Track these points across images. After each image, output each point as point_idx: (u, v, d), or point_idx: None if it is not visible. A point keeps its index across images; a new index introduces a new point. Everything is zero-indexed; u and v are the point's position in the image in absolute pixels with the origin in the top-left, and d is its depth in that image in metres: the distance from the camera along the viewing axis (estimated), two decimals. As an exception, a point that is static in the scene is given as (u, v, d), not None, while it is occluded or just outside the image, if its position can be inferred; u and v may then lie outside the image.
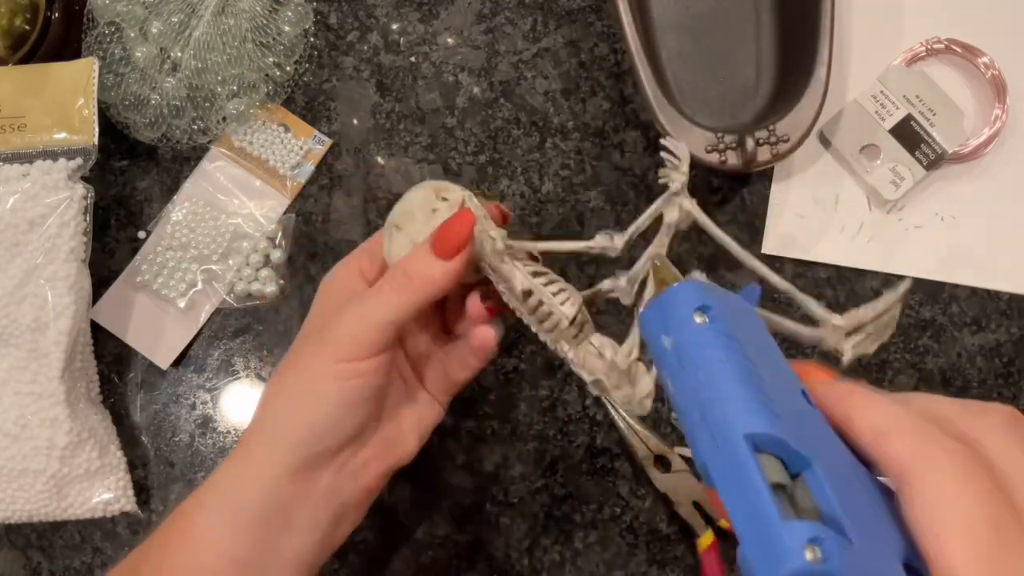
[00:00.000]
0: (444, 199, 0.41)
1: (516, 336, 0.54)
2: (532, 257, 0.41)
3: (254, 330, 0.55)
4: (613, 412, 0.52)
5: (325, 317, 0.41)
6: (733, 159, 0.49)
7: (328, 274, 0.43)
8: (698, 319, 0.25)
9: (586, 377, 0.38)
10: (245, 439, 0.41)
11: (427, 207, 0.41)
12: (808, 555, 0.20)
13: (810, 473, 0.22)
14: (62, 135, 0.52)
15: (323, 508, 0.40)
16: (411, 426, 0.43)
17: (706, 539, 0.51)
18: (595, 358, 0.37)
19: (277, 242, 0.55)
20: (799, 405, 0.25)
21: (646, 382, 0.36)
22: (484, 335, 0.42)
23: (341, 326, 0.39)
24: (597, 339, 0.38)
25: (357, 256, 0.44)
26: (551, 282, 0.39)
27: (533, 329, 0.40)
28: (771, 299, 0.54)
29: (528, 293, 0.38)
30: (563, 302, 0.38)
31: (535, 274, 0.39)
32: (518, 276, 0.39)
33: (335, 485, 0.40)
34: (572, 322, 0.38)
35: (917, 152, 0.53)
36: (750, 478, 0.22)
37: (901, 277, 0.54)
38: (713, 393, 0.24)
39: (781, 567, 0.20)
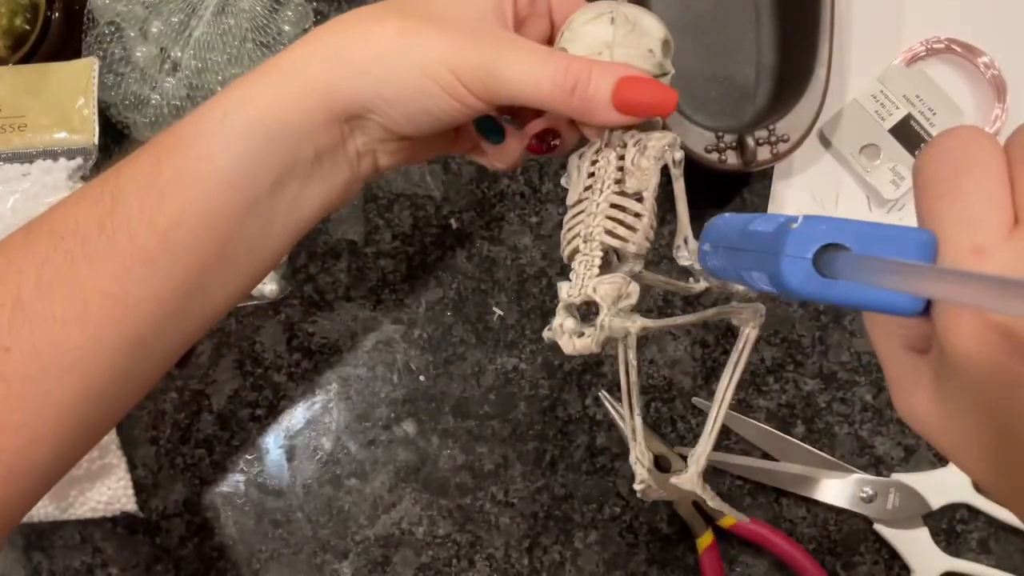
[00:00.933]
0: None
1: (516, 336, 0.54)
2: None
3: (254, 330, 0.55)
4: (613, 412, 0.52)
5: (480, 10, 0.35)
6: (733, 159, 0.49)
7: None
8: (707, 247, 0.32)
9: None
10: (287, 61, 0.35)
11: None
12: (792, 226, 0.24)
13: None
14: (62, 135, 0.52)
15: (342, 168, 0.37)
16: (460, 141, 0.41)
17: (706, 539, 0.51)
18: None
19: (277, 242, 0.55)
20: None
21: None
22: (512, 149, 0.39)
23: (474, 56, 0.33)
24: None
25: None
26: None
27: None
28: (771, 299, 0.54)
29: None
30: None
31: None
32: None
33: (360, 151, 0.37)
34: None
35: (917, 151, 0.53)
36: (754, 235, 0.27)
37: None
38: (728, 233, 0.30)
39: (784, 245, 0.24)
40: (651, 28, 0.36)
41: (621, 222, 0.35)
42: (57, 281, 0.33)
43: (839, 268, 0.23)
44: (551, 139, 0.38)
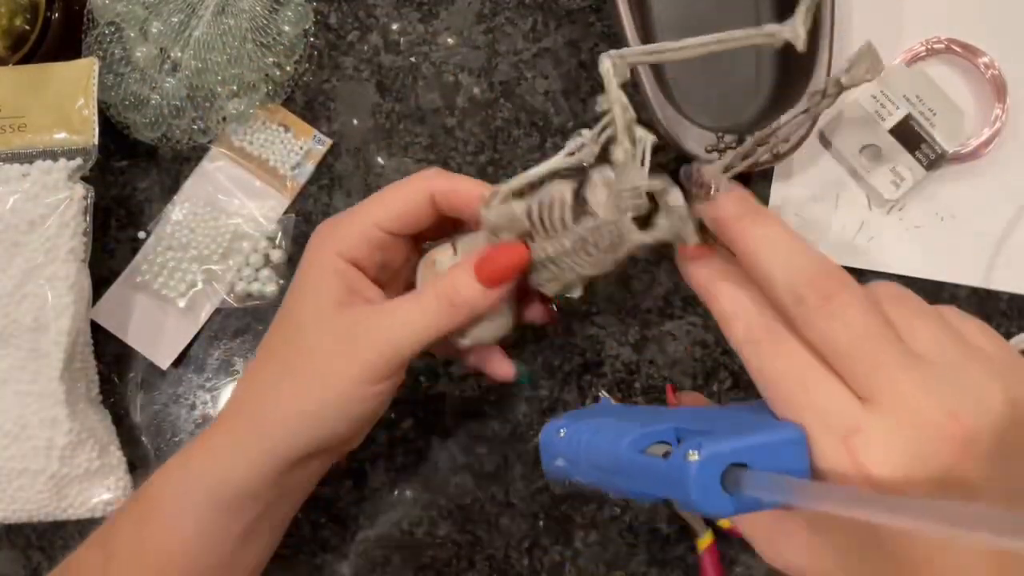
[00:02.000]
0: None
1: (517, 336, 0.54)
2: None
3: (254, 330, 0.55)
4: (613, 412, 0.52)
5: (331, 311, 0.38)
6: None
7: (314, 252, 0.39)
8: (561, 434, 0.35)
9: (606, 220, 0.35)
10: (234, 420, 0.39)
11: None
12: (692, 457, 0.26)
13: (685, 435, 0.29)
14: (62, 135, 0.52)
15: (305, 493, 0.40)
16: (368, 422, 0.42)
17: (706, 539, 0.51)
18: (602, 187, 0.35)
19: (277, 242, 0.55)
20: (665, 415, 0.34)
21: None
22: (505, 370, 0.42)
23: (366, 344, 0.37)
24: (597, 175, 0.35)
25: (338, 238, 0.39)
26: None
27: (557, 246, 0.36)
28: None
29: (529, 212, 0.36)
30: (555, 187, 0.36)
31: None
32: (515, 207, 0.36)
33: (319, 472, 0.40)
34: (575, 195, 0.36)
35: (917, 152, 0.53)
36: (639, 462, 0.28)
37: (902, 277, 0.54)
38: (597, 448, 0.32)
39: (688, 480, 0.26)
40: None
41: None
42: None
43: (743, 484, 0.25)
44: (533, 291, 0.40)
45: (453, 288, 0.37)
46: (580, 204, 0.35)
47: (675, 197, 0.34)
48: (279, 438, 0.38)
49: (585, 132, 0.36)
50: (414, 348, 0.37)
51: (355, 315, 0.38)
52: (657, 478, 0.27)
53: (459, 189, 0.39)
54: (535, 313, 0.41)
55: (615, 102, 0.33)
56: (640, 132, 0.34)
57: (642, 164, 0.34)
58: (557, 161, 0.36)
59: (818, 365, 0.27)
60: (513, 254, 0.37)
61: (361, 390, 0.37)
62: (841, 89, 0.31)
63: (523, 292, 0.40)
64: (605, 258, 0.36)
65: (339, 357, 0.37)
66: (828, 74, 0.50)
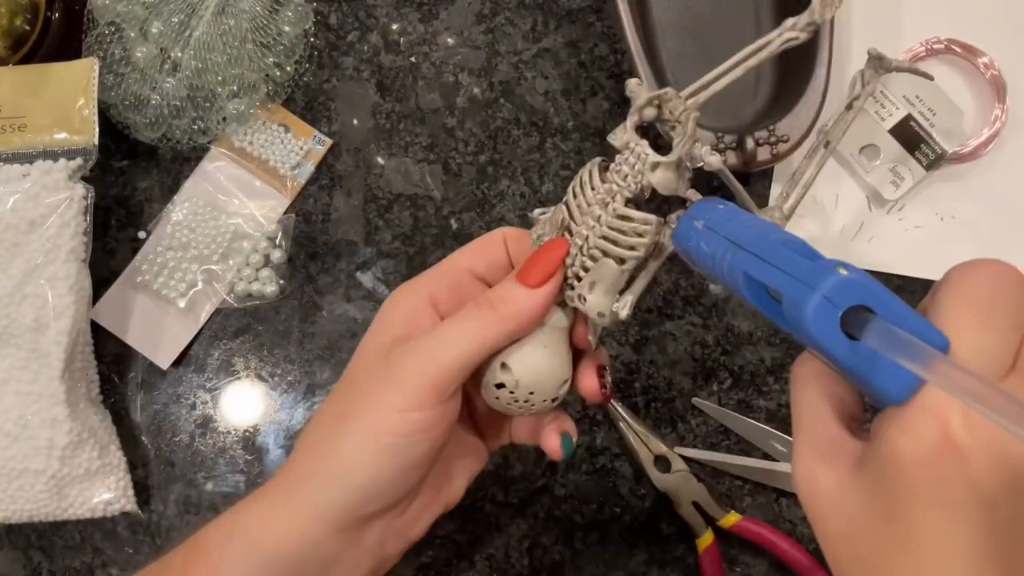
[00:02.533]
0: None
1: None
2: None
3: (254, 330, 0.55)
4: (613, 412, 0.52)
5: (388, 346, 0.36)
6: (733, 159, 0.49)
7: (392, 295, 0.38)
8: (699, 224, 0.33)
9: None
10: (287, 476, 0.36)
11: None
12: (841, 271, 0.25)
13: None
14: (62, 135, 0.52)
15: (365, 563, 0.36)
16: (460, 472, 0.40)
17: (706, 539, 0.51)
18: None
19: (277, 242, 0.55)
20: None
21: None
22: (553, 444, 0.39)
23: (407, 367, 0.34)
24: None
25: (430, 279, 0.38)
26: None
27: (589, 220, 0.36)
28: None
29: (566, 201, 0.37)
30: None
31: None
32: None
33: (381, 540, 0.36)
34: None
35: (917, 152, 0.53)
36: (783, 252, 0.28)
37: (902, 277, 0.54)
38: (740, 229, 0.31)
39: (825, 283, 0.25)
40: None
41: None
42: None
43: (865, 329, 0.24)
44: (606, 375, 0.39)
45: (497, 295, 0.35)
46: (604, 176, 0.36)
47: (692, 122, 0.36)
48: (331, 495, 0.34)
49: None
50: (463, 364, 0.34)
51: (403, 344, 0.35)
52: (790, 275, 0.26)
53: (527, 239, 0.38)
54: (587, 383, 0.38)
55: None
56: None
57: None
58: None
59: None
60: (551, 245, 0.36)
61: (408, 422, 0.34)
62: (812, 24, 0.36)
63: (577, 358, 0.38)
64: (631, 225, 0.35)
65: (382, 387, 0.35)
66: (828, 74, 0.50)
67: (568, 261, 0.36)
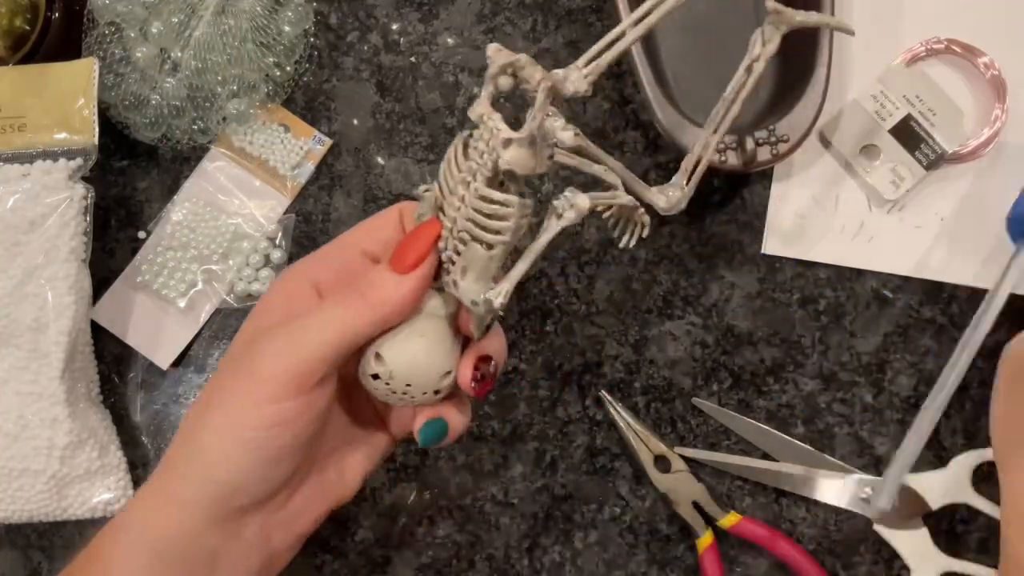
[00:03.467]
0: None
1: (516, 336, 0.54)
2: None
3: (254, 330, 0.55)
4: (613, 412, 0.52)
5: (254, 334, 0.35)
6: (733, 159, 0.49)
7: (276, 277, 0.38)
8: None
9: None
10: (166, 467, 0.35)
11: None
12: None
13: None
14: (62, 135, 0.52)
15: (252, 556, 0.36)
16: (354, 465, 0.38)
17: (706, 539, 0.51)
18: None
19: (277, 242, 0.55)
20: None
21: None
22: (414, 427, 0.37)
23: (265, 356, 0.33)
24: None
25: (317, 261, 0.37)
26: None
27: (455, 198, 0.34)
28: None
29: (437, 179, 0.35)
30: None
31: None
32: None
33: (263, 533, 0.36)
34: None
35: (917, 152, 0.53)
36: None
37: (902, 277, 0.54)
38: None
39: None
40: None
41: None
42: None
43: None
44: (486, 367, 0.36)
45: (366, 280, 0.34)
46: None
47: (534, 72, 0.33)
48: (198, 487, 0.34)
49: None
50: (325, 354, 0.33)
51: (268, 332, 0.34)
52: None
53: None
54: (461, 373, 0.36)
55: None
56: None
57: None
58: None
59: None
60: (422, 228, 0.34)
61: (265, 415, 0.33)
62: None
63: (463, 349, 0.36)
64: (492, 208, 0.33)
65: (241, 378, 0.34)
66: (828, 74, 0.50)
67: (441, 244, 0.34)
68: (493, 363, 0.36)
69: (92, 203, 0.51)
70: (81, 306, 0.50)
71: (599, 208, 0.35)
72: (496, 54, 0.33)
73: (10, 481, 0.50)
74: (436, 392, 0.36)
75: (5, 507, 0.50)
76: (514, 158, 0.32)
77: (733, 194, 0.55)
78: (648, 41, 0.54)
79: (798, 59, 0.52)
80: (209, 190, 0.55)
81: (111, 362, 0.55)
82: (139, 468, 0.54)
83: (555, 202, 0.34)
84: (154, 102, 0.53)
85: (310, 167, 0.56)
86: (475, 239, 0.33)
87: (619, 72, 0.56)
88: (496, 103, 0.34)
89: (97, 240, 0.53)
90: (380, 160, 0.56)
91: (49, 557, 0.53)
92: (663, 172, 0.54)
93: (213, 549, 0.34)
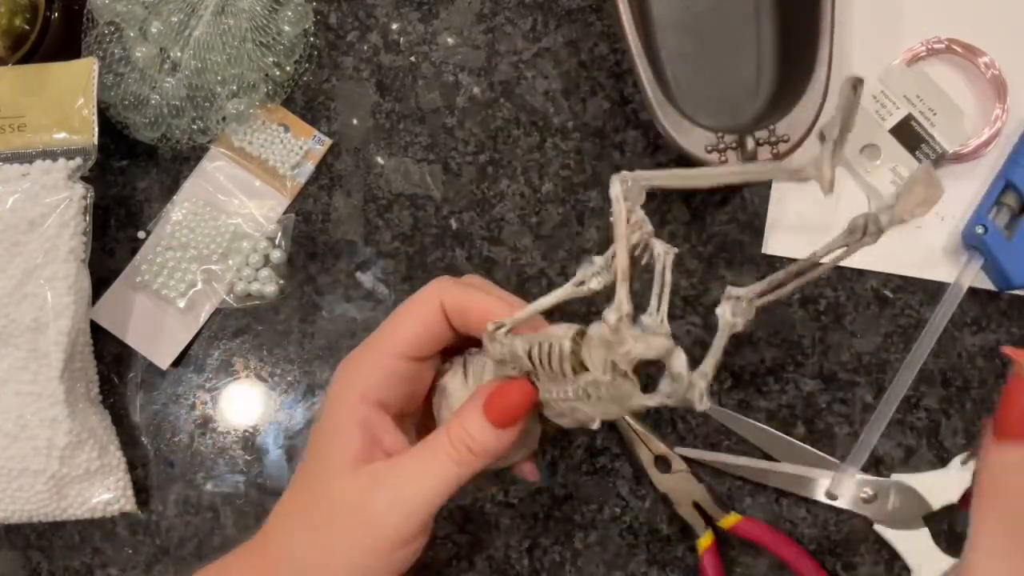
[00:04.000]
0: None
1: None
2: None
3: (254, 330, 0.55)
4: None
5: (352, 460, 0.36)
6: (733, 159, 0.49)
7: (347, 367, 0.37)
8: None
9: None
10: (263, 559, 0.37)
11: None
12: None
13: None
14: (62, 135, 0.52)
15: None
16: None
17: (706, 540, 0.51)
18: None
19: (277, 242, 0.55)
20: None
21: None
22: (533, 476, 0.42)
23: (382, 510, 0.34)
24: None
25: (362, 377, 0.37)
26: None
27: (560, 391, 0.34)
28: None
29: (530, 353, 0.34)
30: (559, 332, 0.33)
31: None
32: (517, 343, 0.34)
33: None
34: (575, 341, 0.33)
35: (917, 152, 0.53)
36: None
37: (902, 277, 0.54)
38: None
39: None
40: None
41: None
42: None
43: None
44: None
45: (468, 434, 0.35)
46: (578, 355, 0.33)
47: (678, 363, 0.32)
48: None
49: (597, 259, 0.34)
50: (433, 506, 0.35)
51: (373, 474, 0.35)
52: None
53: (470, 307, 0.36)
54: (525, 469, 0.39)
55: (619, 239, 0.31)
56: (660, 253, 0.32)
57: (657, 310, 0.32)
58: (566, 291, 0.34)
59: None
60: (519, 393, 0.35)
61: (381, 559, 0.35)
62: (881, 231, 0.29)
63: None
64: (611, 408, 0.33)
65: (357, 528, 0.35)
66: (828, 74, 0.50)
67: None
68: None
69: (92, 203, 0.51)
70: (81, 306, 0.50)
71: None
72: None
73: (9, 481, 0.50)
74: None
75: (4, 507, 0.50)
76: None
77: (733, 194, 0.55)
78: (648, 41, 0.54)
79: (798, 59, 0.52)
80: (209, 190, 0.55)
81: (111, 362, 0.55)
82: (138, 468, 0.54)
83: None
84: (154, 102, 0.53)
85: (310, 167, 0.55)
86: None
87: (619, 72, 0.56)
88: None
89: (97, 240, 0.53)
90: (380, 160, 0.56)
91: (48, 557, 0.53)
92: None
93: None
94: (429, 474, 0.35)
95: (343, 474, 0.36)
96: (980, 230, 0.51)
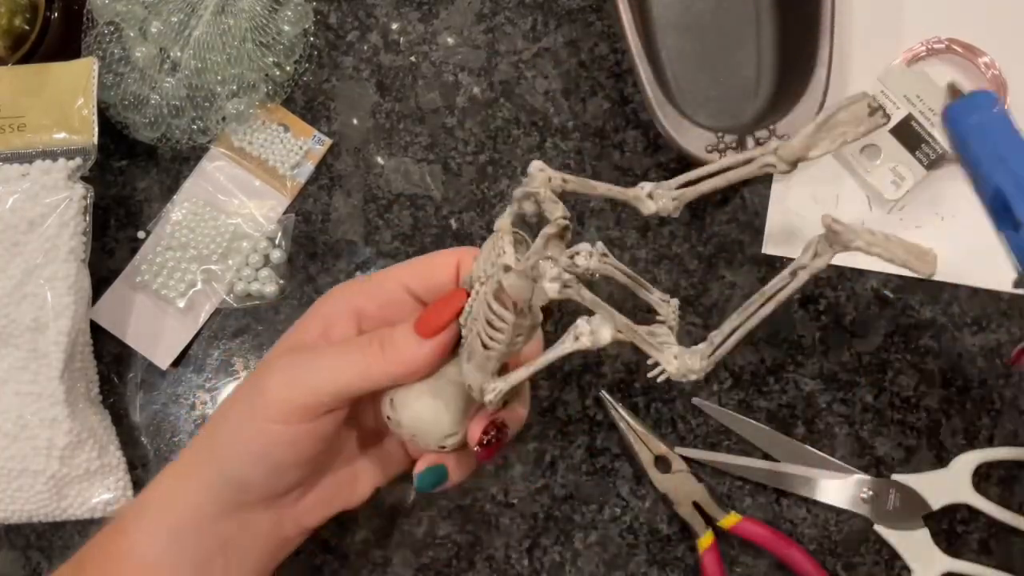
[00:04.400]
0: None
1: (516, 336, 0.54)
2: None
3: (254, 330, 0.55)
4: (613, 412, 0.52)
5: (287, 350, 0.37)
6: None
7: (324, 295, 0.39)
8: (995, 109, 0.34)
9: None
10: (192, 451, 0.39)
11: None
12: None
13: None
14: (62, 135, 0.52)
15: (261, 543, 0.39)
16: (368, 474, 0.41)
17: (706, 539, 0.51)
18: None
19: (277, 242, 0.55)
20: None
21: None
22: (415, 471, 0.39)
23: (278, 380, 0.36)
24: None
25: (363, 290, 0.39)
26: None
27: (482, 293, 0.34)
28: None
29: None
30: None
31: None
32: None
33: (273, 524, 0.39)
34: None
35: (917, 152, 0.53)
36: None
37: (902, 277, 0.54)
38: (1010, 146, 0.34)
39: None
40: None
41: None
42: None
43: None
44: (496, 432, 0.37)
45: (389, 337, 0.35)
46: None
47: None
48: (214, 478, 0.37)
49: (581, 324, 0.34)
50: (335, 393, 0.35)
51: (293, 356, 0.37)
52: None
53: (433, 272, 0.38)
54: (471, 433, 0.37)
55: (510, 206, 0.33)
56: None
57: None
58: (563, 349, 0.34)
59: None
60: (448, 298, 0.35)
61: (271, 432, 0.35)
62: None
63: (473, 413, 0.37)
64: (491, 315, 0.34)
65: (257, 395, 0.36)
66: (828, 74, 0.50)
67: (462, 319, 0.35)
68: (506, 430, 0.38)
69: (91, 203, 0.51)
70: (80, 306, 0.50)
71: (621, 339, 0.35)
72: (537, 173, 0.33)
73: (9, 481, 0.50)
74: (441, 447, 0.37)
75: (4, 507, 0.50)
76: (511, 284, 0.32)
77: (733, 194, 0.55)
78: (648, 41, 0.54)
79: (798, 59, 0.52)
80: (209, 190, 0.55)
81: (110, 362, 0.55)
82: (138, 468, 0.54)
83: (579, 322, 0.34)
84: (153, 102, 0.53)
85: (310, 167, 0.55)
86: (478, 333, 0.34)
87: (619, 72, 0.56)
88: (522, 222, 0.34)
89: (96, 240, 0.53)
90: (380, 160, 0.56)
91: (48, 557, 0.53)
92: (663, 172, 0.54)
93: (225, 535, 0.37)
94: (335, 365, 0.35)
95: (282, 353, 0.37)
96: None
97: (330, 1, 0.57)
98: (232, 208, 0.55)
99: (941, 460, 0.52)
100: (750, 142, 0.49)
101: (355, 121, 0.56)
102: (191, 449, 0.39)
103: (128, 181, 0.56)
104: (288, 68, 0.55)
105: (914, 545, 0.50)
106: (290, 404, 0.35)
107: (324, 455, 0.38)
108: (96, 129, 0.52)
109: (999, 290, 0.53)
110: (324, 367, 0.36)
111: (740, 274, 0.54)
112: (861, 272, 0.54)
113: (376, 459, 0.41)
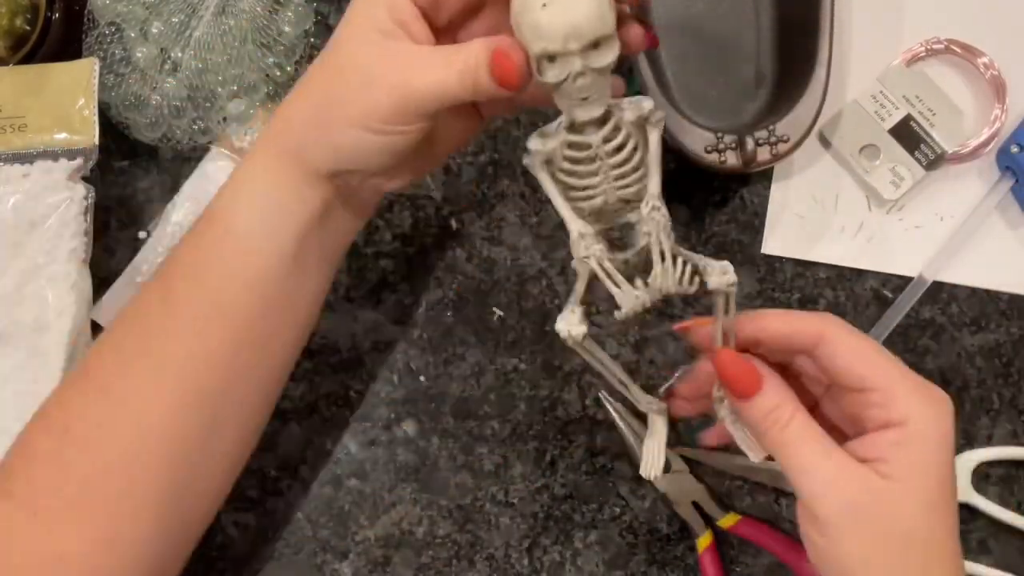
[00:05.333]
0: None
1: (516, 336, 0.54)
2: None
3: (254, 330, 0.55)
4: (613, 413, 0.52)
5: (377, 37, 0.37)
6: (733, 159, 0.49)
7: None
8: None
9: None
10: (287, 142, 0.40)
11: None
12: None
13: None
14: (62, 135, 0.52)
15: (355, 206, 0.42)
16: (446, 142, 0.42)
17: (705, 539, 0.51)
18: None
19: (277, 242, 0.55)
20: None
21: None
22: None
23: (395, 86, 0.36)
24: None
25: None
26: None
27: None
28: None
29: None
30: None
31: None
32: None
33: (359, 197, 0.42)
34: None
35: (917, 152, 0.53)
36: None
37: (901, 277, 0.54)
38: None
39: None
40: None
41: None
42: (135, 357, 0.40)
43: None
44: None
45: (477, 72, 0.36)
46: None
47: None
48: (327, 162, 0.39)
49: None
50: (427, 103, 0.37)
51: (391, 49, 0.37)
52: None
53: None
54: (633, 37, 0.38)
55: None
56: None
57: None
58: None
59: None
60: (512, 64, 0.35)
61: (373, 126, 0.37)
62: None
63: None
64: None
65: (360, 90, 0.37)
66: (828, 74, 0.50)
67: None
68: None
69: (92, 203, 0.51)
70: (82, 306, 0.50)
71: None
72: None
73: (10, 481, 0.50)
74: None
75: (5, 507, 0.50)
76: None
77: (733, 194, 0.55)
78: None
79: (798, 59, 0.52)
80: (209, 190, 0.55)
81: (111, 362, 0.55)
82: (139, 468, 0.54)
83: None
84: (154, 102, 0.53)
85: (310, 167, 0.55)
86: None
87: (619, 71, 0.56)
88: None
89: (98, 240, 0.53)
90: (380, 160, 0.56)
91: (49, 557, 0.53)
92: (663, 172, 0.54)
93: (322, 201, 0.40)
94: (434, 77, 0.36)
95: (365, 42, 0.38)
96: (1015, 149, 0.51)
97: (331, 2, 0.57)
98: (233, 208, 0.55)
99: (941, 460, 0.51)
100: (749, 142, 0.49)
101: (355, 121, 0.56)
102: (286, 139, 0.41)
103: (129, 181, 0.56)
104: (289, 69, 0.55)
105: (914, 545, 0.50)
106: (388, 107, 0.37)
107: (419, 141, 0.39)
108: (97, 129, 0.52)
109: (998, 290, 0.53)
110: (419, 79, 0.36)
111: (740, 274, 0.53)
112: (861, 272, 0.54)
113: (453, 126, 0.42)
